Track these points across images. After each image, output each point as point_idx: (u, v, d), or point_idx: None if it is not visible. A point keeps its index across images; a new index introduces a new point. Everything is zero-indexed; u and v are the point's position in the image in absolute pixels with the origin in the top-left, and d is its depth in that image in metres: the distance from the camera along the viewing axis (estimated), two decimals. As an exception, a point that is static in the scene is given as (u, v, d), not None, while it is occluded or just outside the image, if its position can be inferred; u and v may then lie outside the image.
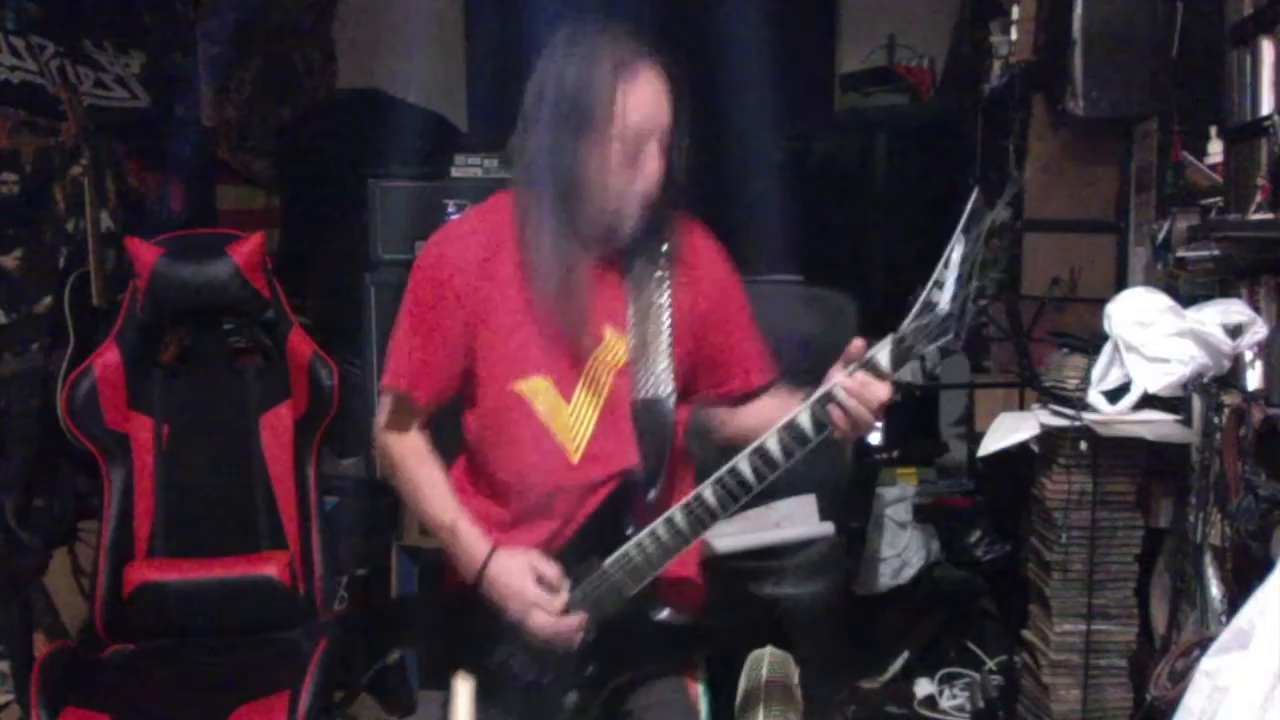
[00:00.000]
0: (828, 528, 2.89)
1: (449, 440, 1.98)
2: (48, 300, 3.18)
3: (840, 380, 1.64)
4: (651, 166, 1.76)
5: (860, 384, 1.62)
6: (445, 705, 1.85)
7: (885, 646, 3.35)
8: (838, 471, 3.00)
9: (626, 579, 1.80)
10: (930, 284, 1.58)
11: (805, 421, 1.67)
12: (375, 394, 3.05)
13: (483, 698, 1.84)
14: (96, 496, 2.71)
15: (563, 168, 1.76)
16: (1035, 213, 3.28)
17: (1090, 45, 2.84)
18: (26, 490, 3.02)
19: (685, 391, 1.91)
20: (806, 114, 4.44)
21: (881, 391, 1.63)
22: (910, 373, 3.81)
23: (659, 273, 1.86)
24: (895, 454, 3.66)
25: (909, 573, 3.44)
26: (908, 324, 1.61)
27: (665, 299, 1.86)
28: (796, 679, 2.17)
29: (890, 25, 4.59)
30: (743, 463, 1.71)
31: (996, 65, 3.63)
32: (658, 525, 1.77)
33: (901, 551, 3.45)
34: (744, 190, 3.59)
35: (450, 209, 3.11)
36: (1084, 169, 3.22)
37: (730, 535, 2.77)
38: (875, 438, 3.72)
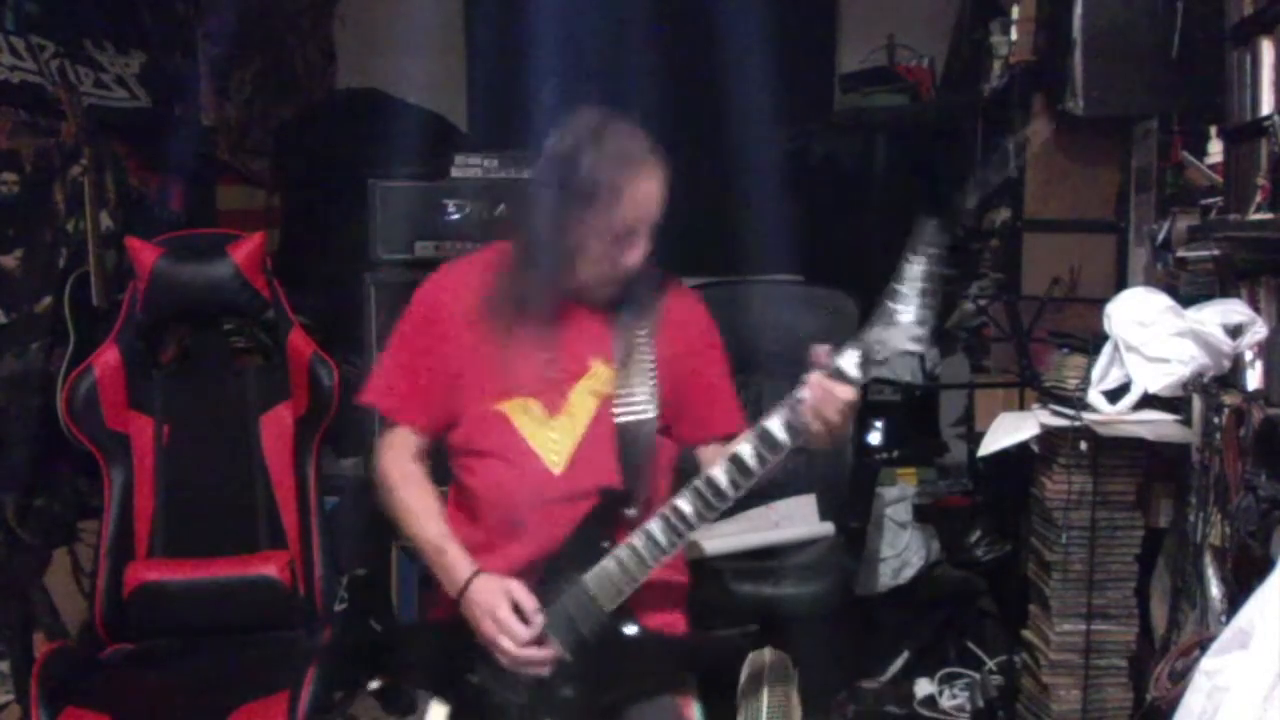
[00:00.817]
0: (828, 528, 2.88)
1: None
2: (48, 300, 3.18)
3: (805, 384, 1.71)
4: (638, 250, 1.90)
5: (825, 388, 1.70)
6: None
7: (885, 646, 3.35)
8: (838, 471, 3.00)
9: (604, 594, 1.82)
10: (884, 297, 1.66)
11: (775, 426, 1.74)
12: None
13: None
14: (96, 496, 2.71)
15: (561, 238, 1.89)
16: (1035, 213, 3.28)
17: (1090, 45, 2.83)
18: (26, 490, 3.02)
19: (667, 428, 1.99)
20: (806, 114, 4.44)
21: (845, 394, 1.70)
22: (910, 373, 3.82)
23: (645, 319, 1.97)
24: (895, 454, 3.66)
25: (909, 573, 3.44)
26: (871, 333, 1.68)
27: (648, 341, 1.96)
28: (796, 680, 2.17)
29: (890, 25, 4.59)
30: (718, 471, 1.77)
31: (996, 65, 3.63)
32: (635, 537, 1.80)
33: (901, 551, 3.45)
34: (744, 190, 3.59)
35: (450, 209, 3.12)
36: (1084, 169, 3.22)
37: (730, 535, 2.77)
38: (875, 438, 3.73)
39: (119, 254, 3.20)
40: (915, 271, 1.64)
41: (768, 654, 2.19)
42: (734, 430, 1.97)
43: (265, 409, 2.69)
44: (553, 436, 1.91)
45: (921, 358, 3.85)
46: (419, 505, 1.96)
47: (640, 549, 1.80)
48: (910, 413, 3.82)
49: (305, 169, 4.30)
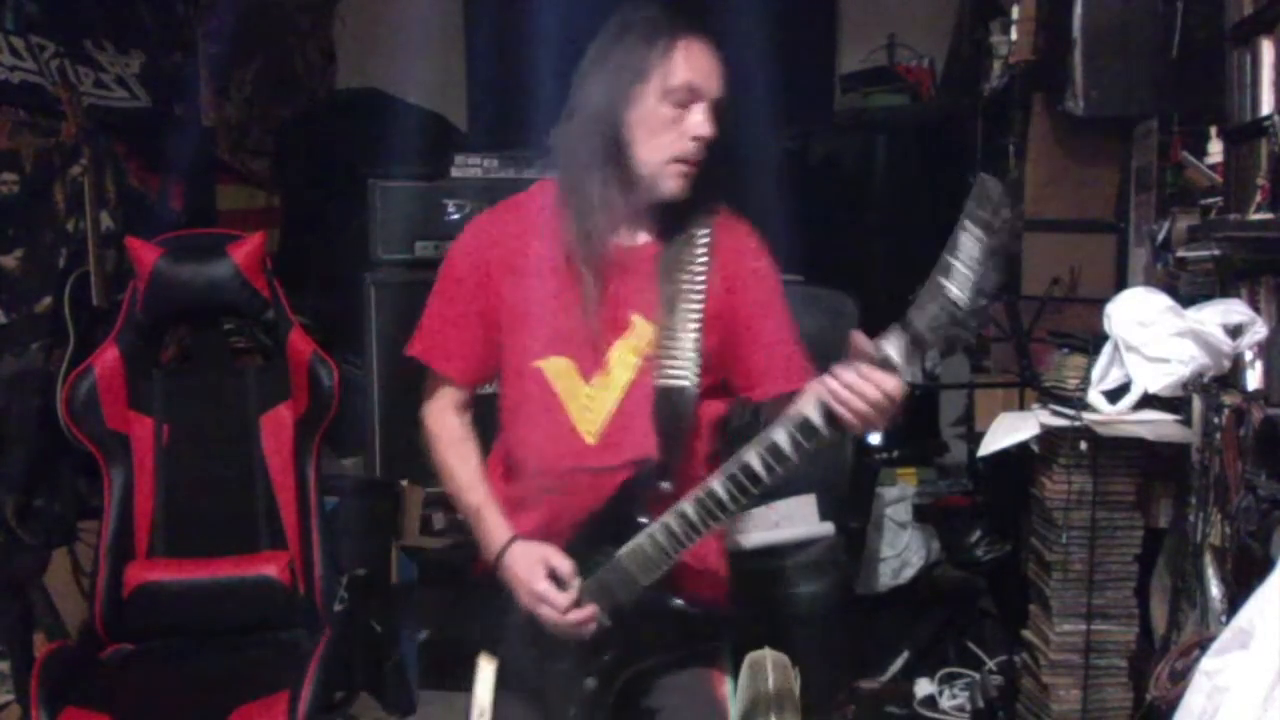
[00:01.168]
0: (828, 528, 2.88)
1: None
2: (48, 300, 3.18)
3: (839, 372, 1.60)
4: (696, 125, 1.79)
5: (862, 375, 1.58)
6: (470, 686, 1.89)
7: (885, 646, 3.35)
8: (838, 471, 3.01)
9: (639, 570, 1.79)
10: (935, 272, 1.53)
11: (813, 414, 1.64)
12: (375, 393, 3.08)
13: (503, 679, 1.88)
14: (96, 496, 2.71)
15: (612, 124, 1.79)
16: (1035, 213, 3.28)
17: (1090, 45, 2.83)
18: (26, 490, 3.02)
19: (715, 387, 1.90)
20: (806, 114, 4.43)
21: (887, 383, 1.59)
22: (910, 373, 3.81)
23: (694, 263, 1.86)
24: (895, 454, 3.66)
25: (909, 573, 3.44)
26: (914, 312, 1.56)
27: (698, 290, 1.85)
28: (797, 682, 2.17)
29: (890, 25, 4.59)
30: (752, 456, 1.68)
31: (996, 65, 3.63)
32: (669, 517, 1.75)
33: (901, 551, 3.45)
34: (744, 190, 3.58)
35: (450, 209, 3.12)
36: (1084, 169, 3.22)
37: (730, 535, 2.78)
38: (875, 438, 3.72)
39: (119, 254, 3.20)
40: (967, 241, 1.49)
41: (769, 658, 2.18)
42: (798, 385, 1.80)
43: (265, 409, 2.68)
44: (588, 403, 1.85)
45: (922, 356, 3.85)
46: (459, 466, 1.93)
47: (675, 528, 1.75)
48: (910, 413, 3.81)
49: (305, 169, 4.30)
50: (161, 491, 2.62)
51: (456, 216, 3.11)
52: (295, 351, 2.66)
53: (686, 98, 1.79)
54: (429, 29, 4.42)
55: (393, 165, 3.28)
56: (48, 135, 3.29)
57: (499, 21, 4.49)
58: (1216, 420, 2.21)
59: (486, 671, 1.90)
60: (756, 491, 1.71)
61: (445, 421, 1.96)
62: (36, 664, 2.33)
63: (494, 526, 1.88)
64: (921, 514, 3.53)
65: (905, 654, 3.32)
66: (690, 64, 1.78)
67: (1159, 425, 2.37)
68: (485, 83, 4.66)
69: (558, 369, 1.86)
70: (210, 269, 2.66)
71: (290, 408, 2.67)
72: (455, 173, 3.17)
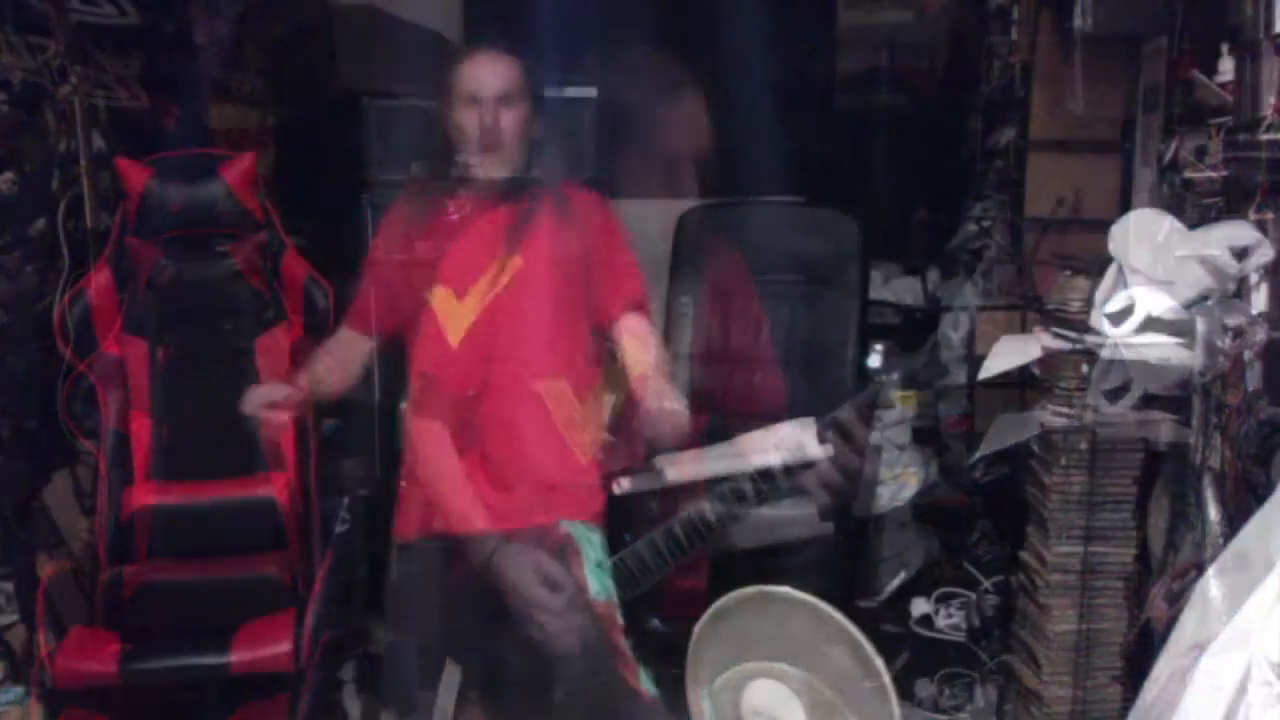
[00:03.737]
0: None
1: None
2: (41, 223, 3.14)
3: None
4: (489, 121, 2.20)
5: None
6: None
7: (882, 567, 3.37)
8: (839, 396, 2.99)
9: (624, 582, 1.95)
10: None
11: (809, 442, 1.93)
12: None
13: (469, 686, 2.00)
14: (94, 419, 2.70)
15: (442, 123, 2.28)
16: (1040, 133, 3.24)
17: (1100, -40, 2.77)
18: (19, 413, 3.01)
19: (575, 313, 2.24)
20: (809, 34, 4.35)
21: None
22: (912, 295, 3.80)
23: (548, 216, 2.25)
24: (895, 376, 3.65)
25: (907, 494, 3.45)
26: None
27: (552, 234, 2.23)
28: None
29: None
30: (744, 480, 1.90)
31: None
32: (656, 534, 1.94)
33: (900, 473, 3.46)
34: (747, 114, 3.53)
35: (447, 130, 3.06)
36: (1090, 88, 3.17)
37: (724, 459, 2.77)
38: (874, 360, 3.71)
39: (112, 174, 3.16)
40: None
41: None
42: (636, 296, 2.29)
43: (260, 331, 2.67)
44: (461, 312, 2.17)
45: (923, 278, 3.83)
46: (447, 462, 2.08)
47: (660, 545, 1.94)
48: (910, 335, 3.80)
49: (299, 88, 4.24)
50: (158, 414, 2.62)
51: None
52: (289, 273, 2.64)
53: (473, 99, 2.22)
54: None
55: (389, 84, 3.22)
56: (34, 54, 3.23)
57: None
58: (1220, 344, 2.20)
59: (452, 677, 1.94)
60: (741, 512, 1.91)
61: (434, 426, 2.12)
62: (41, 586, 2.35)
63: (479, 525, 1.98)
64: (920, 436, 3.53)
65: (902, 574, 3.35)
66: (472, 76, 2.23)
67: (1162, 348, 2.36)
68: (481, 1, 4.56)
69: (439, 296, 2.20)
70: (202, 189, 2.64)
71: (285, 330, 2.66)
72: (452, 91, 3.11)
